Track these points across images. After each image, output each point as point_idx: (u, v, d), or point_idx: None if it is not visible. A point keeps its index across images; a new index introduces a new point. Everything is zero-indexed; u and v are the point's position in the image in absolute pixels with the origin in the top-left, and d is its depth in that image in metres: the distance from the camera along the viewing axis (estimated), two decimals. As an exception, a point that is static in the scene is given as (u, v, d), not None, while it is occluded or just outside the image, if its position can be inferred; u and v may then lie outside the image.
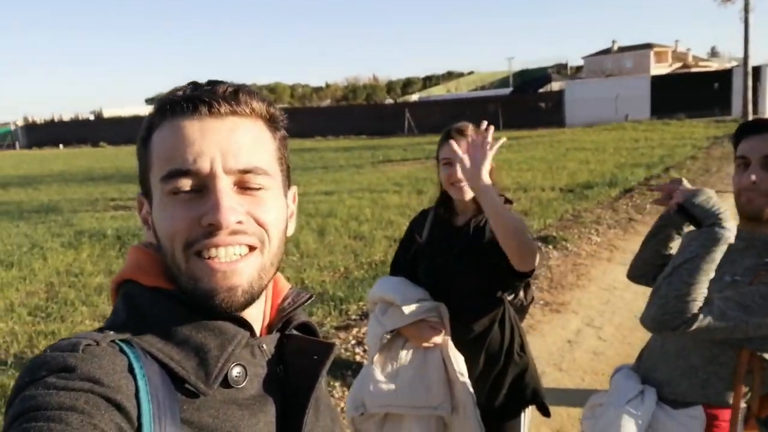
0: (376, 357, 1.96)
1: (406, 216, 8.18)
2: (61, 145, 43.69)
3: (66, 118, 56.98)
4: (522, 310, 2.18)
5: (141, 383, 0.62)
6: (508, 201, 1.94)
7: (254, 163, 0.71)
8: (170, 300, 0.71)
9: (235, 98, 0.71)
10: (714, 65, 55.42)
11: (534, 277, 5.66)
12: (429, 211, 2.15)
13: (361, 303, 5.01)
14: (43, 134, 47.82)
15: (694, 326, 1.43)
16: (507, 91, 49.42)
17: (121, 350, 0.65)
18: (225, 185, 0.68)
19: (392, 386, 1.89)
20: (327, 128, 35.06)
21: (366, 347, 3.99)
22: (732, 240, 1.48)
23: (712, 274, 1.48)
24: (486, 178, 1.66)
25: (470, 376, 1.91)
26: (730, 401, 1.56)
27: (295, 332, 0.82)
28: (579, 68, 74.51)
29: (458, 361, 1.90)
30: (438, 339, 1.91)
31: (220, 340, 0.69)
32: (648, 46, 62.55)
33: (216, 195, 0.67)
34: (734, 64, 38.34)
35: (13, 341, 4.67)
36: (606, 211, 8.57)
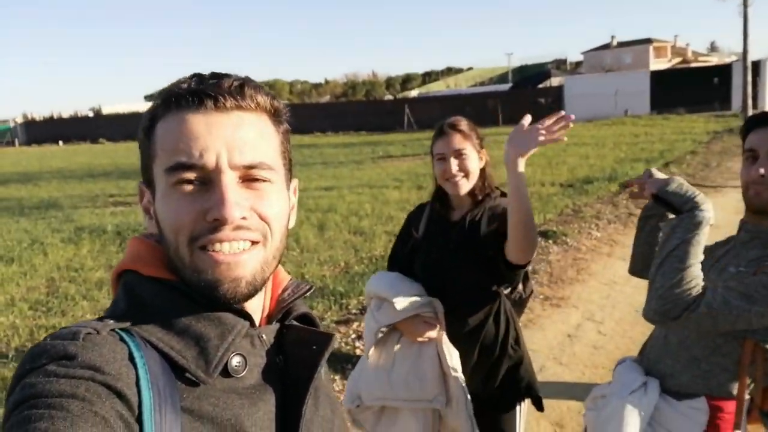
0: (372, 351, 1.97)
1: (406, 211, 8.09)
2: (60, 142, 43.55)
3: (65, 115, 57.06)
4: (521, 304, 2.17)
5: (141, 372, 0.62)
6: (504, 195, 1.94)
7: (259, 158, 0.71)
8: (171, 290, 0.71)
9: (241, 92, 0.71)
10: (713, 60, 55.32)
11: (534, 272, 5.68)
12: (426, 205, 2.14)
13: (361, 297, 5.02)
14: (43, 131, 47.66)
15: (698, 313, 1.43)
16: (506, 86, 49.28)
17: (122, 339, 0.65)
18: (230, 180, 0.69)
19: (387, 380, 1.90)
20: (326, 124, 34.94)
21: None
22: (712, 220, 1.50)
23: (701, 257, 1.50)
24: (523, 162, 1.65)
25: (465, 370, 1.91)
26: (733, 392, 1.56)
27: (294, 323, 0.82)
28: (578, 64, 74.53)
29: (452, 356, 1.90)
30: (432, 334, 1.91)
31: (220, 330, 0.70)
32: (647, 41, 62.49)
33: (221, 190, 0.68)
34: (734, 58, 38.25)
35: (14, 335, 4.70)
36: (606, 206, 8.58)
